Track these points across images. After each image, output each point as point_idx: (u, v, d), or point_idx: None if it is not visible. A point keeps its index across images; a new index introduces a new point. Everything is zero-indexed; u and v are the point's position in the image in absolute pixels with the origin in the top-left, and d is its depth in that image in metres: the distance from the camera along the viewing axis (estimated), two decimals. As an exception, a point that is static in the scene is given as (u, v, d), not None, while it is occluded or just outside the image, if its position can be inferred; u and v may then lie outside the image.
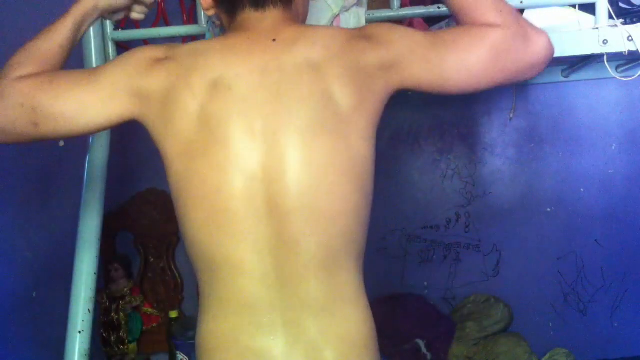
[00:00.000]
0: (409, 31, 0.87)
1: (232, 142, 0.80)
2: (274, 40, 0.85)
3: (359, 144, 0.82)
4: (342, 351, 0.81)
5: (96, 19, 0.97)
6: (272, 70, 0.82)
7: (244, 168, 0.80)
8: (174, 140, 0.82)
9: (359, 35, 0.87)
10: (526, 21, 0.84)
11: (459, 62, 0.82)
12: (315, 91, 0.81)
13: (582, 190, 1.89)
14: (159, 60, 0.86)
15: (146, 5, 1.02)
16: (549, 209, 1.90)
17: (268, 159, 0.80)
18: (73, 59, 1.48)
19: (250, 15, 0.88)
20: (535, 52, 0.82)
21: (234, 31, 0.90)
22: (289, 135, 0.80)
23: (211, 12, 0.94)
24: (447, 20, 1.28)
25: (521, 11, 1.17)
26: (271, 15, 0.88)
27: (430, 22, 1.34)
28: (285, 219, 0.79)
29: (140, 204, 1.94)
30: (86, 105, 0.84)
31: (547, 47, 0.83)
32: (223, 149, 0.80)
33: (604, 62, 1.20)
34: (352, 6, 1.17)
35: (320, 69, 0.82)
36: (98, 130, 0.88)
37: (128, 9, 1.00)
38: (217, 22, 0.90)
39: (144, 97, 0.84)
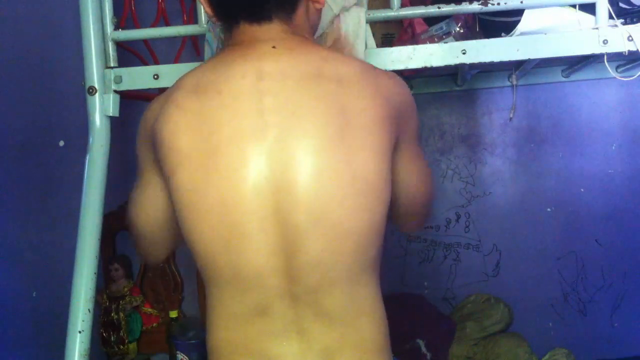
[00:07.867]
0: None
1: (227, 148, 0.76)
2: (274, 47, 0.80)
3: (374, 158, 0.78)
4: (355, 357, 0.80)
5: None
6: (273, 72, 0.78)
7: (245, 176, 0.75)
8: (168, 154, 0.79)
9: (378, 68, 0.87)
10: None
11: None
12: (326, 96, 0.76)
13: (582, 190, 1.89)
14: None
15: None
16: (549, 209, 1.90)
17: (272, 167, 0.75)
18: (73, 58, 1.48)
19: (246, 29, 0.84)
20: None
21: (229, 46, 0.86)
22: (297, 140, 0.75)
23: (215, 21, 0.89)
24: (447, 20, 1.28)
25: (521, 11, 1.17)
26: (270, 28, 0.83)
27: (431, 22, 1.34)
28: (297, 236, 0.75)
29: (140, 204, 1.94)
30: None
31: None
32: (218, 156, 0.76)
33: (604, 62, 1.19)
34: (352, 6, 1.17)
35: (333, 78, 0.77)
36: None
37: None
38: (218, 23, 0.88)
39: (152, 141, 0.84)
